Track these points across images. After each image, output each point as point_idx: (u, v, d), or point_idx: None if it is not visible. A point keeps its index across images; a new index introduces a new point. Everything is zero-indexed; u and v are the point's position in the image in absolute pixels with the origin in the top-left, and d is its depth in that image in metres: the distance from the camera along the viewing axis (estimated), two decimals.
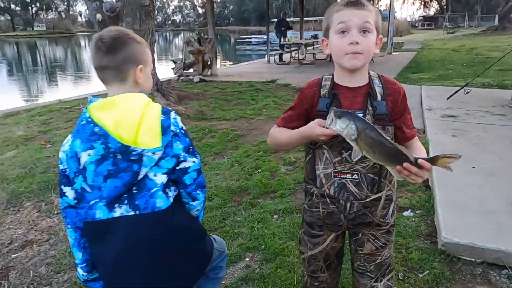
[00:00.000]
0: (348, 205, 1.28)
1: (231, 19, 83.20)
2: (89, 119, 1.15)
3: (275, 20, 17.68)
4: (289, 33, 14.82)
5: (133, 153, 1.12)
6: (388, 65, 11.61)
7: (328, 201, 1.31)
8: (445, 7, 55.26)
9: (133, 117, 1.14)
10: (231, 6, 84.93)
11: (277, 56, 14.03)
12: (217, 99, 6.92)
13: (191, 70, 10.83)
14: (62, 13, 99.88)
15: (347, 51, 1.18)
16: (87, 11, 6.20)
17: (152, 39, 6.19)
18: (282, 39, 14.05)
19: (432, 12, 65.11)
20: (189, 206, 1.34)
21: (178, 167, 1.23)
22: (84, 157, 1.14)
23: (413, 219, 2.63)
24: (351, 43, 1.17)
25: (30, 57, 32.50)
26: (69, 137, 1.21)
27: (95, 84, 12.73)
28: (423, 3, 66.71)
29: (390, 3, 15.96)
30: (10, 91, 14.97)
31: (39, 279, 2.36)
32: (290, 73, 10.82)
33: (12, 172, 3.83)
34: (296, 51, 13.92)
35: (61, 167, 1.22)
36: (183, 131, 1.25)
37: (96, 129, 1.13)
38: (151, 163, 1.16)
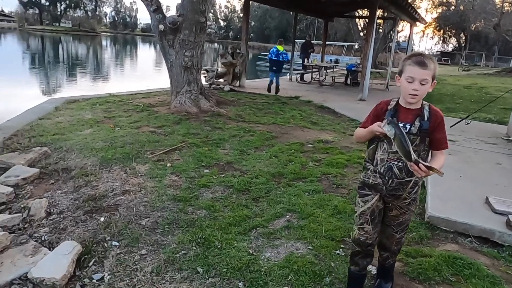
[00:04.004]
0: (390, 181, 1.99)
1: (252, 34, 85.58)
2: (275, 47, 10.40)
3: (301, 41, 18.84)
4: (312, 55, 15.93)
5: (280, 51, 10.25)
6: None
7: (378, 175, 2.02)
8: (463, 44, 56.37)
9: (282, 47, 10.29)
10: (253, 23, 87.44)
11: (299, 75, 15.11)
12: (250, 107, 7.95)
13: (221, 80, 11.95)
14: (89, 12, 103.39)
15: (410, 92, 1.90)
16: (151, 21, 7.28)
17: (202, 50, 7.27)
18: (305, 60, 15.14)
19: (450, 48, 66.30)
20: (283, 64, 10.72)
21: (284, 55, 10.47)
22: (273, 50, 10.51)
23: None
24: (413, 89, 1.89)
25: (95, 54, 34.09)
26: (273, 48, 10.57)
27: (118, 81, 14.19)
28: (442, 38, 68.04)
29: (409, 36, 17.03)
30: (40, 83, 16.25)
31: (140, 214, 3.34)
32: (311, 91, 11.83)
33: (96, 144, 4.85)
34: (316, 73, 15.00)
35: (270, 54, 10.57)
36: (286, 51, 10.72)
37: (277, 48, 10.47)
38: (283, 54, 10.40)
